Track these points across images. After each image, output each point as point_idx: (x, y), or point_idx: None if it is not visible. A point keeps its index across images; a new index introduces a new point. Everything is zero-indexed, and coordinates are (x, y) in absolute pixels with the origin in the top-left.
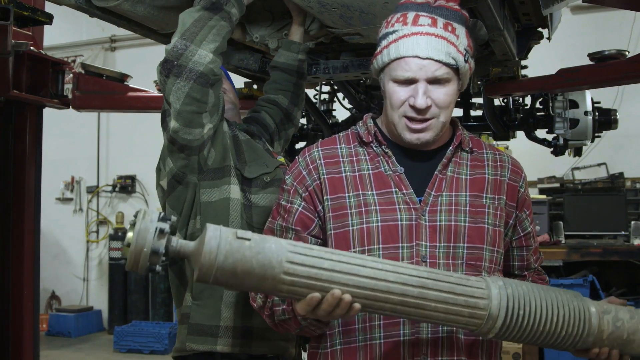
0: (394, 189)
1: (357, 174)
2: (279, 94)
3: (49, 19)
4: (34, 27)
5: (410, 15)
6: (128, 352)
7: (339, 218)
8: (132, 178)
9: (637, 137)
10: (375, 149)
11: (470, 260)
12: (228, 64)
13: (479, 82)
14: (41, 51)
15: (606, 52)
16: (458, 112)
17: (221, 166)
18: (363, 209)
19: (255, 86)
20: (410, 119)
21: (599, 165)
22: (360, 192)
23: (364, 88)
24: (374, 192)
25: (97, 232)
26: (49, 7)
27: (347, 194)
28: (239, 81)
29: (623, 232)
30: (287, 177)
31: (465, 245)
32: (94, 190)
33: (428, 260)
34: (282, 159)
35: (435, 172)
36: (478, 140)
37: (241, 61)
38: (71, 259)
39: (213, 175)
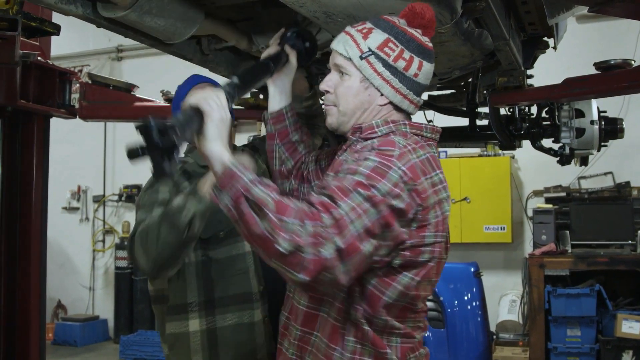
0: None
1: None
2: None
3: (56, 29)
4: (41, 37)
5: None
6: None
7: None
8: (139, 187)
9: None
10: None
11: None
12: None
13: (485, 92)
14: (48, 61)
15: (612, 62)
16: (464, 122)
17: None
18: None
19: (261, 96)
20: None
21: (605, 174)
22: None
23: None
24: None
25: (104, 241)
26: (56, 17)
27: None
28: None
29: (630, 242)
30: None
31: None
32: (100, 200)
33: None
34: None
35: (335, 157)
36: (386, 137)
37: None
38: (77, 268)
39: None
